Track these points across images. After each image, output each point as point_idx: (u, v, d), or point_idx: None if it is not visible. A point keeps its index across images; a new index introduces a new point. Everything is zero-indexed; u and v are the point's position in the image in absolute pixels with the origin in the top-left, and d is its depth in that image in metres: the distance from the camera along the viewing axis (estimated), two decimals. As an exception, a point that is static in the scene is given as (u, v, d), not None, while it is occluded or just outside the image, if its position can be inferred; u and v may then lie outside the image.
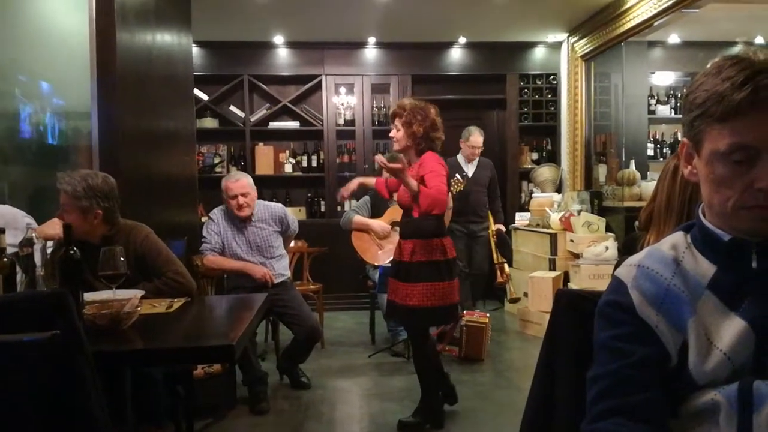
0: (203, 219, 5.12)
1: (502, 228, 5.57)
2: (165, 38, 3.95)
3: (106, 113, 3.15)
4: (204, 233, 3.83)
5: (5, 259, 1.91)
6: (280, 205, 4.02)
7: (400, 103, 3.20)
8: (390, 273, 3.22)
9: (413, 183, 2.91)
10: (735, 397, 0.92)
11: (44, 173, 2.73)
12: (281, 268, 3.89)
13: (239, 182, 3.75)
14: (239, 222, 3.80)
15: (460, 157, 5.41)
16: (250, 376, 3.58)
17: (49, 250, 2.10)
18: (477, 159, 5.42)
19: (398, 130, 3.13)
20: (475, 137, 5.29)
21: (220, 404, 3.43)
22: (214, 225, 3.83)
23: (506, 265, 5.57)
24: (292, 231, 4.05)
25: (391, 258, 4.40)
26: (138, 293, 2.06)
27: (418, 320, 3.09)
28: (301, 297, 3.93)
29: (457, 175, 4.57)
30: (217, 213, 3.88)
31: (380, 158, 2.99)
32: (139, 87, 3.49)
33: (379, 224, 4.61)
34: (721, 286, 0.99)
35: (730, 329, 0.95)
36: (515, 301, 5.64)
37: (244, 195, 3.72)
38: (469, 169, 5.39)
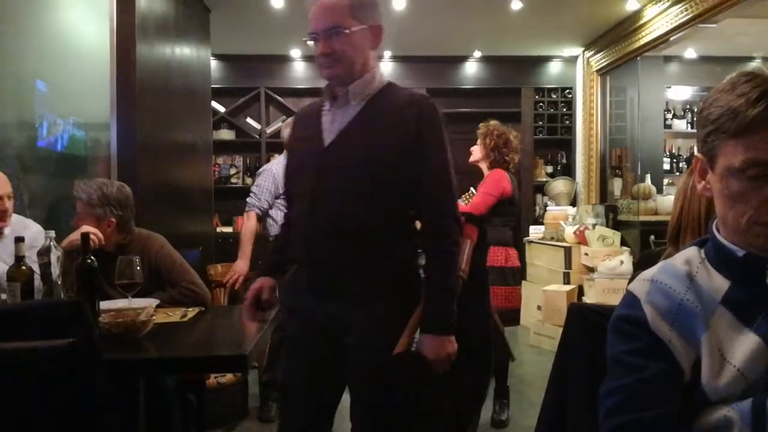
0: (219, 229, 5.16)
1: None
2: (184, 51, 4.01)
3: (125, 124, 3.20)
4: (255, 190, 3.47)
5: (23, 267, 1.94)
6: None
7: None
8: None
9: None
10: (748, 414, 0.91)
11: (63, 183, 2.77)
12: None
13: None
14: None
15: None
16: (271, 374, 3.45)
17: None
18: None
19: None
20: None
21: (231, 415, 3.42)
22: (269, 176, 3.44)
23: None
24: None
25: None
26: (153, 302, 2.08)
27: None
28: None
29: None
30: (273, 164, 3.48)
31: None
32: (158, 99, 3.54)
33: None
34: (734, 301, 0.98)
35: (744, 345, 0.95)
36: None
37: None
38: None
